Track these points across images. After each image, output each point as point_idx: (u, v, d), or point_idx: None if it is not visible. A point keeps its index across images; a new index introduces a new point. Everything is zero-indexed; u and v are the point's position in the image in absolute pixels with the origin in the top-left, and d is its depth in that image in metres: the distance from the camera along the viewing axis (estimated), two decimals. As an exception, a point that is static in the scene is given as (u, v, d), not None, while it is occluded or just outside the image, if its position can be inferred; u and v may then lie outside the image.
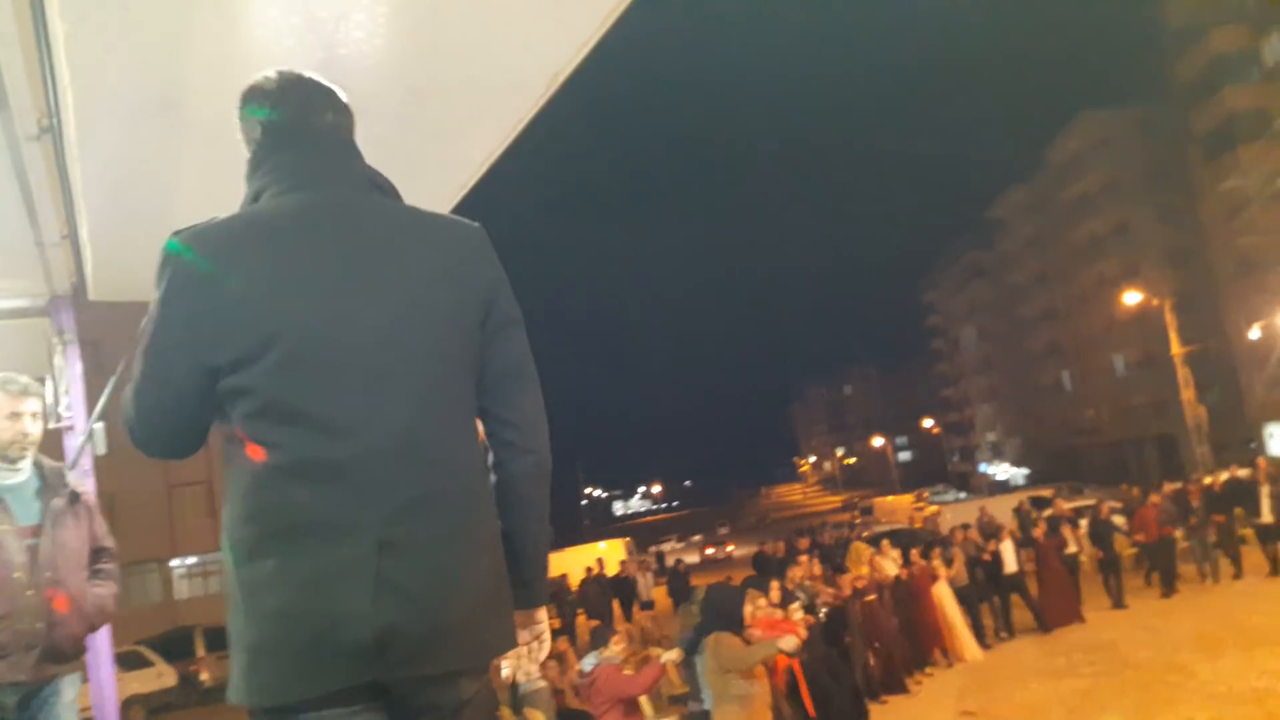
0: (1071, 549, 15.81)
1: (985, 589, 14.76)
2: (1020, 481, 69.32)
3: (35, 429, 3.44)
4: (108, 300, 4.26)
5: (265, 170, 1.88)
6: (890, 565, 13.77)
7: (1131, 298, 40.29)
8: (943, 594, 13.48)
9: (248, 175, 1.93)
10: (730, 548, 56.70)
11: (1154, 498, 17.52)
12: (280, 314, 1.66)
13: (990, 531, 16.28)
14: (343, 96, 1.95)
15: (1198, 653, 11.31)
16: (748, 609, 5.87)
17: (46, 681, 3.33)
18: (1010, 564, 14.90)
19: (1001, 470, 79.68)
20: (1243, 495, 16.87)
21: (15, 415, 3.38)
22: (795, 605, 8.91)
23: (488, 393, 1.83)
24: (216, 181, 3.17)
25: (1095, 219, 58.03)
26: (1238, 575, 16.37)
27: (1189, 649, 11.61)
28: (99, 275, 3.95)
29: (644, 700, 10.47)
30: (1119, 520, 17.56)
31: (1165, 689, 10.01)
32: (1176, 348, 35.79)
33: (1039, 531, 15.61)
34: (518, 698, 9.91)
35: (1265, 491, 16.40)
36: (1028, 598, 14.90)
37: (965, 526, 16.61)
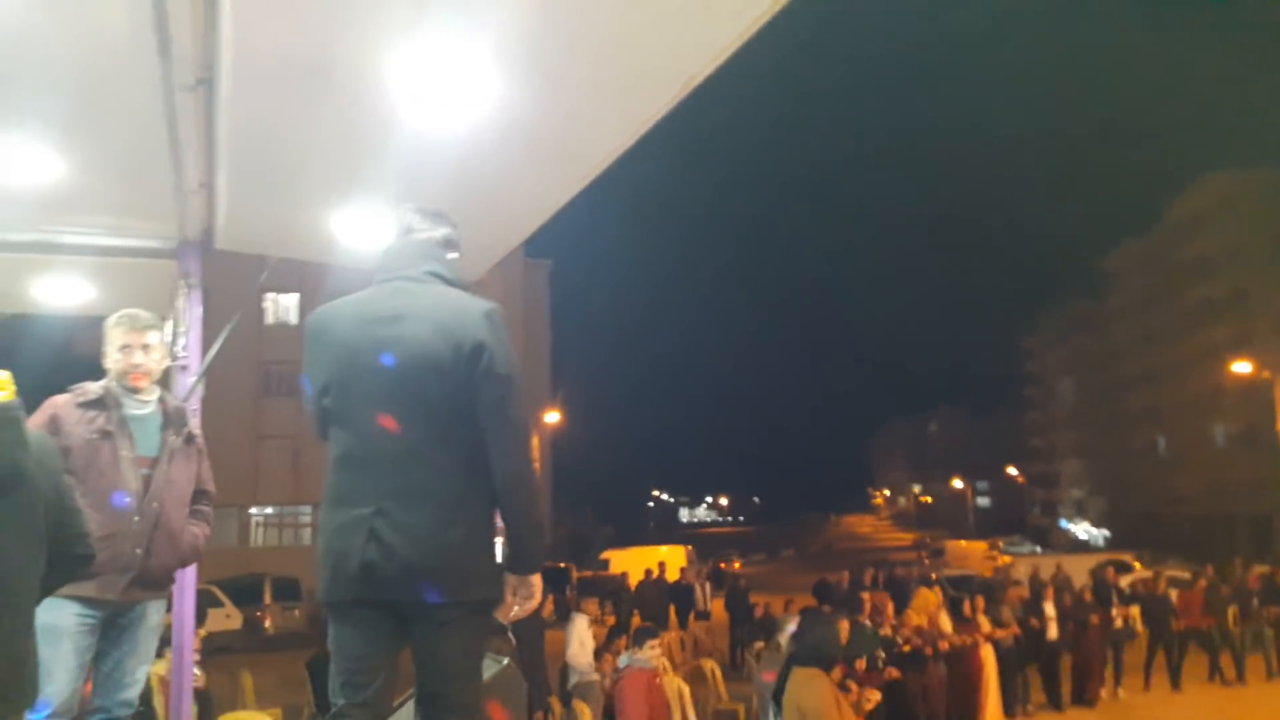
0: (1118, 624, 14.42)
1: (1025, 655, 13.22)
2: (1099, 543, 67.14)
3: (150, 362, 3.61)
4: (231, 250, 4.43)
5: (379, 265, 2.84)
6: (946, 620, 12.53)
7: (1240, 368, 38.67)
8: (988, 657, 12.31)
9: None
10: None
11: (1201, 581, 16.29)
12: (335, 363, 2.68)
13: (1064, 591, 15.41)
14: (437, 214, 2.93)
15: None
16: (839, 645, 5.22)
17: (134, 604, 3.49)
18: (1052, 631, 13.49)
19: (1082, 529, 77.30)
20: None
21: (127, 348, 3.56)
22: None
23: (481, 424, 2.61)
24: (349, 147, 3.31)
25: (1211, 282, 55.96)
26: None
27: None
28: (227, 226, 4.12)
29: (690, 711, 10.46)
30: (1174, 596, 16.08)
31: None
32: (1283, 425, 34.23)
33: (1083, 610, 13.92)
34: (568, 689, 9.98)
35: None
36: (1055, 670, 13.49)
37: (1044, 584, 15.71)
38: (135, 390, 3.57)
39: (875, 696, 5.34)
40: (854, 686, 5.55)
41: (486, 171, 3.39)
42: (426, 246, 2.82)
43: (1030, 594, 14.53)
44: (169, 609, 3.93)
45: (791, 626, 6.43)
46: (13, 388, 2.52)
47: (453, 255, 2.90)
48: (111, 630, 3.49)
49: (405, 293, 2.69)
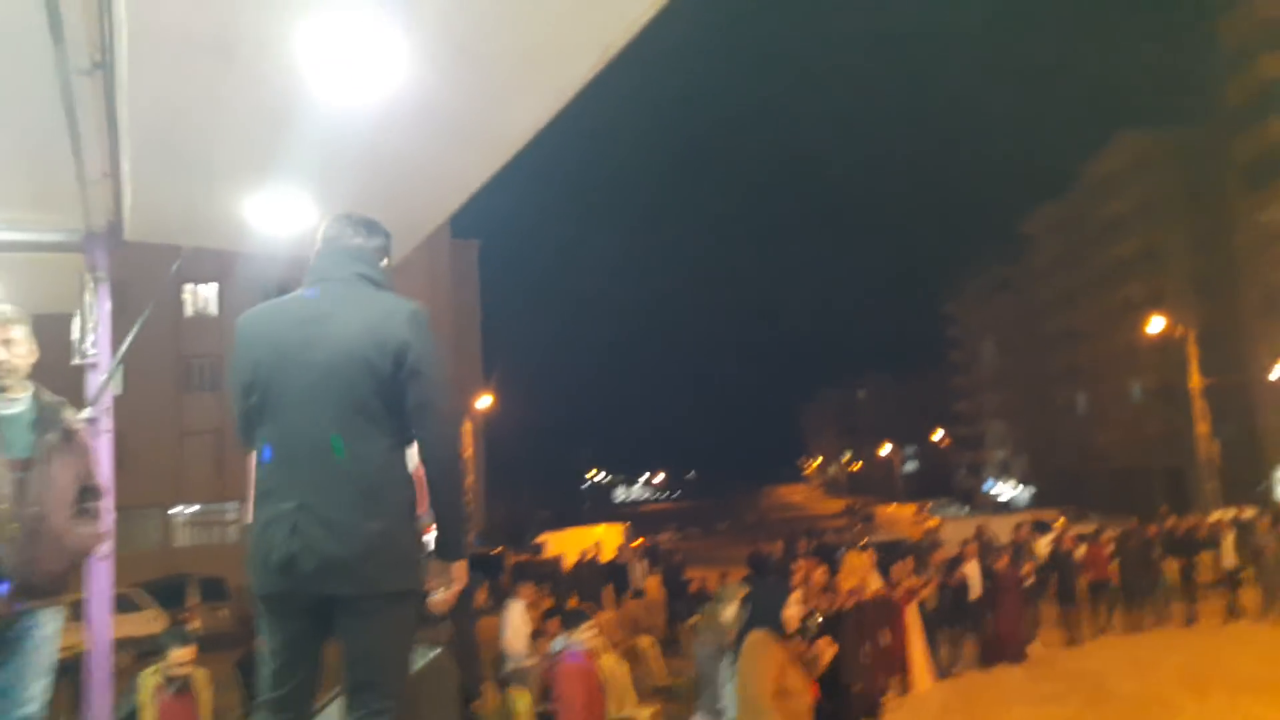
0: (1029, 581, 14.71)
1: (949, 615, 13.54)
2: (1024, 502, 69.04)
3: (13, 358, 3.39)
4: (142, 241, 4.28)
5: (309, 269, 2.91)
6: (876, 581, 12.79)
7: (1155, 325, 39.86)
8: (913, 617, 12.57)
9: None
10: None
11: (1105, 536, 17.00)
12: (264, 360, 2.73)
13: (990, 550, 15.82)
14: (367, 220, 2.95)
15: (1185, 690, 11.26)
16: (789, 611, 4.85)
17: (23, 615, 3.31)
18: (975, 589, 13.79)
19: (1006, 489, 79.38)
20: (1205, 541, 16.77)
21: None
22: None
23: (410, 421, 2.72)
24: (258, 128, 3.20)
25: (1125, 241, 57.56)
26: (1191, 620, 16.09)
27: (1176, 685, 11.55)
28: (136, 215, 3.97)
29: (628, 688, 10.51)
30: (1079, 551, 16.56)
31: (1146, 723, 9.99)
32: (1196, 380, 35.47)
33: (1001, 562, 14.37)
34: (502, 675, 9.93)
35: (1229, 539, 16.39)
36: (980, 628, 13.83)
37: (968, 542, 16.14)
38: (1, 389, 3.37)
39: (831, 648, 5.24)
40: (804, 645, 5.37)
41: (402, 150, 3.31)
42: (356, 250, 2.89)
43: (954, 555, 14.89)
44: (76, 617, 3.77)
45: (728, 599, 6.33)
46: None
47: (383, 261, 2.96)
48: (5, 643, 3.32)
49: (333, 294, 2.79)
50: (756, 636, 4.73)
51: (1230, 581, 16.28)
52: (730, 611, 6.11)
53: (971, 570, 13.91)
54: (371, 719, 2.71)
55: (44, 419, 3.44)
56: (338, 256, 2.87)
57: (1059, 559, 16.00)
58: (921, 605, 12.88)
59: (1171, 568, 16.75)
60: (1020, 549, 15.94)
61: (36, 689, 3.38)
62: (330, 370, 2.66)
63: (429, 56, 2.68)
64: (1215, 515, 24.02)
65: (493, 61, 2.76)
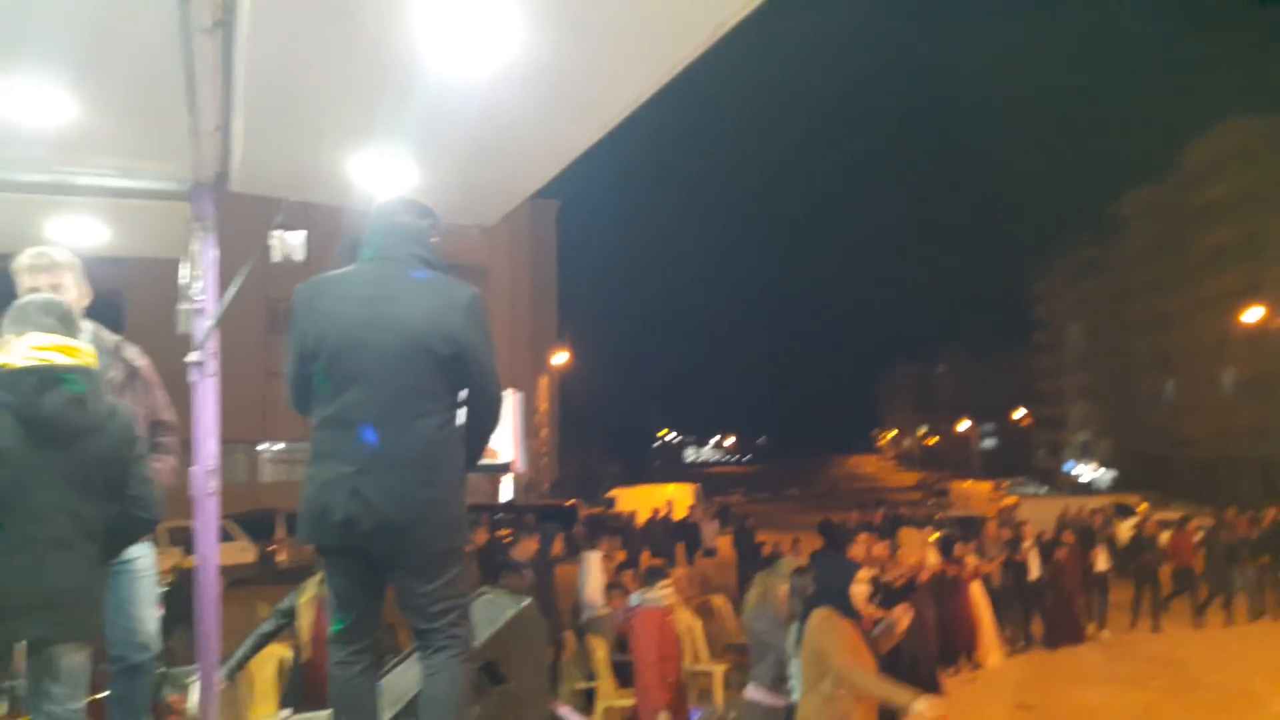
0: (1101, 567, 14.60)
1: (1013, 593, 13.52)
2: (1105, 485, 67.49)
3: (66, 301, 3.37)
4: (247, 193, 4.39)
5: (362, 246, 3.14)
6: (933, 555, 12.57)
7: (1252, 314, 38.44)
8: (977, 594, 12.49)
9: (360, 246, 3.15)
10: None
11: (1193, 525, 16.53)
12: (330, 333, 2.95)
13: (1080, 532, 15.51)
14: (419, 204, 3.19)
15: (1275, 683, 10.97)
16: (856, 589, 4.63)
17: None
18: (1034, 570, 13.66)
19: (1088, 471, 77.64)
20: None
21: (35, 290, 3.37)
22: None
23: (467, 399, 3.06)
24: (369, 90, 3.26)
25: (1224, 228, 55.45)
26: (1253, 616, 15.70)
27: (1265, 678, 11.27)
28: (243, 168, 4.07)
29: (701, 645, 10.63)
30: (1164, 538, 16.36)
31: (1233, 716, 9.78)
32: (1293, 371, 34.16)
33: (1061, 551, 14.11)
34: (580, 624, 10.14)
35: None
36: (1041, 609, 13.76)
37: (1022, 523, 15.68)
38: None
39: (908, 615, 5.06)
40: (878, 611, 5.21)
41: (507, 118, 3.34)
42: (412, 230, 3.12)
43: (1012, 534, 14.60)
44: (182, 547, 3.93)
45: (783, 572, 6.23)
46: (94, 357, 2.94)
47: (433, 239, 3.20)
48: None
49: (394, 275, 3.04)
50: (823, 614, 4.57)
51: None
52: (784, 586, 6.01)
53: (1030, 550, 13.77)
54: (435, 655, 3.01)
55: (106, 359, 3.49)
56: (394, 235, 3.11)
57: (1141, 543, 15.66)
58: (988, 581, 12.78)
59: (1261, 560, 16.29)
60: (1090, 532, 15.62)
61: (146, 615, 3.58)
62: (393, 351, 2.91)
63: (541, 26, 2.69)
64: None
65: (603, 32, 2.77)
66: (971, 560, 12.66)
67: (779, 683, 5.56)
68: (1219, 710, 9.99)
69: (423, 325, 2.94)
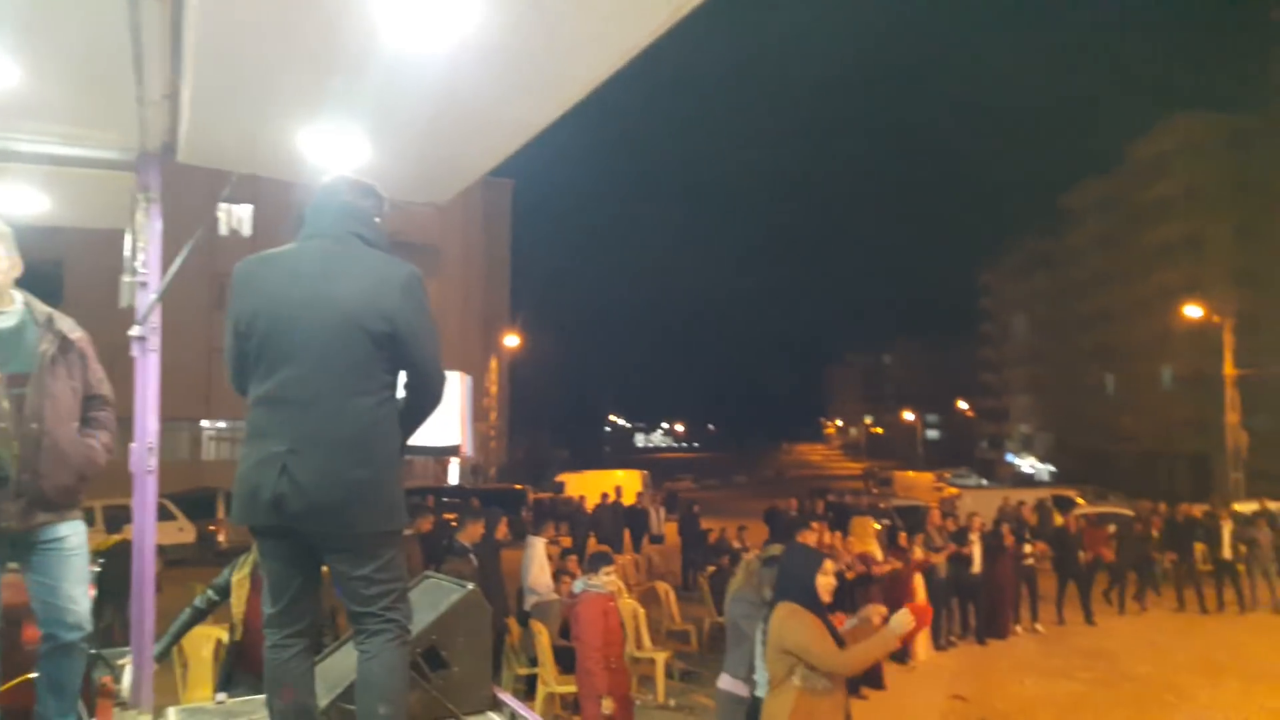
0: (1029, 560, 14.73)
1: (951, 587, 13.49)
2: (1045, 478, 68.84)
3: None
4: (193, 164, 4.29)
5: (304, 224, 3.11)
6: (878, 549, 12.41)
7: (1192, 311, 39.35)
8: (919, 585, 12.43)
9: (300, 226, 3.13)
10: None
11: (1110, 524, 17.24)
12: (264, 311, 2.92)
13: (1013, 525, 15.77)
14: (363, 183, 3.16)
15: (1199, 676, 11.30)
16: (822, 580, 4.45)
17: (38, 528, 3.35)
18: (976, 563, 13.68)
19: (1028, 463, 79.13)
20: (1205, 531, 16.77)
21: None
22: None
23: (406, 378, 3.02)
24: (323, 63, 3.19)
25: (1169, 225, 56.60)
26: (1181, 607, 16.31)
27: (1190, 671, 11.59)
28: (191, 139, 3.97)
29: (644, 632, 10.68)
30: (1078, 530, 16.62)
31: (1160, 707, 10.04)
32: (1229, 368, 35.05)
33: (1000, 544, 14.18)
34: (525, 610, 10.12)
35: (1227, 529, 16.36)
36: (977, 602, 13.76)
37: (972, 514, 15.99)
38: None
39: (878, 613, 4.66)
40: (880, 610, 4.69)
41: (464, 94, 3.29)
42: (350, 208, 3.09)
43: (958, 526, 14.73)
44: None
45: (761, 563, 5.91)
46: None
47: (377, 219, 3.15)
48: (30, 558, 3.39)
49: (332, 253, 3.00)
50: (788, 609, 4.40)
51: (1225, 572, 16.36)
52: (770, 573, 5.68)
53: (975, 543, 13.86)
54: (371, 639, 2.97)
55: (38, 331, 3.41)
56: (334, 213, 3.07)
57: (1060, 535, 16.07)
58: (932, 573, 12.89)
59: (1169, 555, 16.94)
60: (1022, 525, 15.90)
61: (78, 593, 3.46)
62: (327, 329, 2.87)
63: (500, 2, 2.66)
64: (1238, 506, 23.87)
65: (563, 10, 2.73)
66: (918, 552, 12.75)
67: (751, 672, 5.34)
68: (1147, 701, 10.26)
69: (357, 303, 2.90)
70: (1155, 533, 17.70)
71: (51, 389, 3.37)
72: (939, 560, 13.12)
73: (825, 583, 4.51)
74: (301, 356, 2.87)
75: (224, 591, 5.45)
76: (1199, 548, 16.87)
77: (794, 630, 4.30)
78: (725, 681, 5.64)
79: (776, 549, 5.76)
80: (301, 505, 2.80)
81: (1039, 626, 14.50)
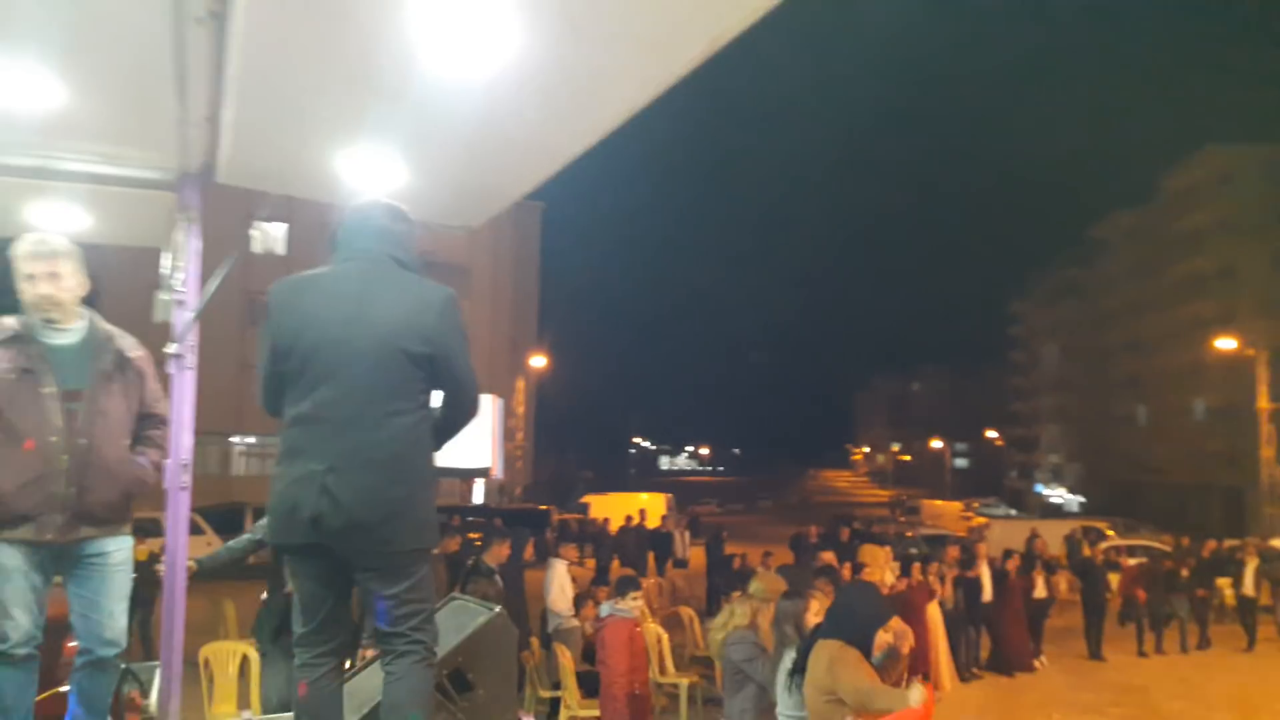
0: (1040, 593, 14.48)
1: (963, 617, 13.17)
2: (1074, 509, 67.97)
3: (60, 292, 3.41)
4: (232, 185, 4.36)
5: (338, 245, 3.15)
6: (891, 575, 12.20)
7: (1225, 343, 38.90)
8: (934, 616, 12.01)
9: (334, 248, 3.17)
10: None
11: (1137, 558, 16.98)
12: (305, 332, 2.94)
13: (1040, 558, 15.53)
14: (396, 207, 3.18)
15: (1232, 714, 11.08)
16: (883, 636, 4.09)
17: (81, 542, 3.38)
18: (987, 593, 13.49)
19: (1057, 494, 78.19)
20: (1229, 566, 16.47)
21: (31, 278, 3.37)
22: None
23: (443, 396, 3.08)
24: (362, 88, 3.24)
25: (1202, 256, 56.02)
26: (1200, 645, 15.86)
27: (1224, 709, 11.37)
28: (230, 160, 4.04)
29: (668, 657, 10.61)
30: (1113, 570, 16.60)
31: (1193, 743, 9.86)
32: (1264, 401, 34.60)
33: (1011, 566, 14.01)
34: (548, 632, 10.10)
35: (1251, 566, 16.05)
36: (994, 633, 13.46)
37: (974, 542, 15.72)
38: (51, 321, 3.40)
39: (906, 640, 4.42)
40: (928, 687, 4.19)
41: (499, 120, 3.32)
42: (390, 233, 3.13)
43: (967, 556, 14.49)
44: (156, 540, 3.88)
45: (763, 594, 5.69)
46: None
47: (411, 244, 3.18)
48: (73, 571, 3.42)
49: (371, 276, 3.04)
50: (836, 646, 3.98)
51: (1248, 609, 16.05)
52: (766, 611, 5.46)
53: (984, 572, 13.63)
54: (398, 660, 2.99)
55: (98, 349, 3.47)
56: (370, 236, 3.10)
57: (1086, 567, 15.76)
58: (942, 604, 12.70)
59: (1198, 591, 16.63)
60: (1035, 557, 15.60)
61: (116, 610, 3.50)
62: (368, 350, 2.91)
63: (539, 30, 2.68)
64: (1275, 541, 23.50)
65: (602, 41, 2.76)
66: (935, 582, 12.57)
67: (761, 715, 5.10)
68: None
69: (397, 324, 2.95)
70: (1185, 571, 17.39)
71: (104, 406, 3.43)
72: (947, 591, 12.91)
73: (884, 640, 4.12)
74: (341, 376, 2.90)
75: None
76: (1224, 583, 16.58)
77: (847, 671, 3.91)
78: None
79: (769, 581, 5.66)
80: (341, 522, 2.83)
81: (1043, 660, 14.17)
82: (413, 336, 2.94)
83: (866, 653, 4.09)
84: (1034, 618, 14.30)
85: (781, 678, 4.60)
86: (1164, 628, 15.91)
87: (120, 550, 3.53)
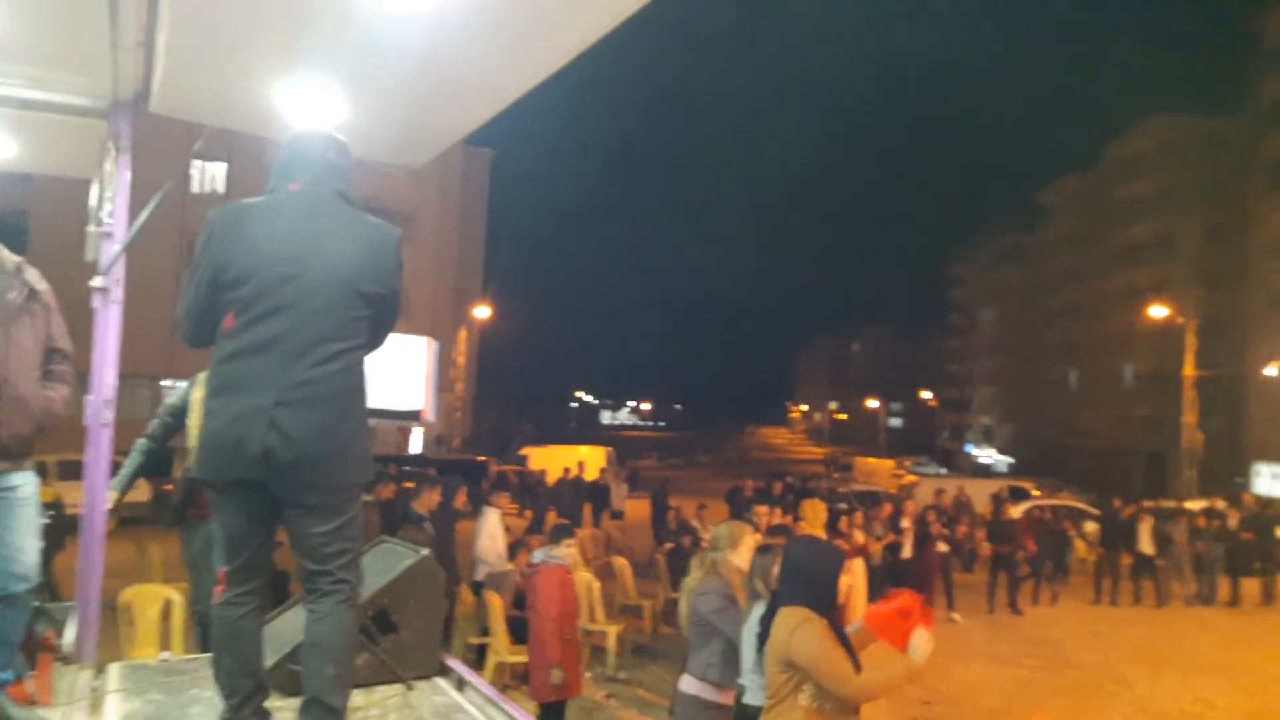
0: (942, 548, 14.91)
1: (884, 573, 13.58)
2: (1003, 469, 69.64)
3: None
4: (166, 115, 4.23)
5: (275, 177, 3.11)
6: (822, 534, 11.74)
7: (1157, 311, 39.91)
8: (857, 569, 11.96)
9: (271, 177, 3.13)
10: None
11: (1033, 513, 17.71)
12: (256, 262, 2.88)
13: (958, 512, 15.99)
14: (338, 139, 3.15)
15: (1141, 666, 11.56)
16: (844, 580, 3.67)
17: None
18: (906, 549, 14.12)
19: (987, 454, 79.99)
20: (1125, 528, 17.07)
21: None
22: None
23: (372, 332, 3.07)
24: (302, 16, 3.16)
25: (1140, 225, 57.18)
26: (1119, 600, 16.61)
27: (1133, 661, 11.85)
28: (164, 88, 3.91)
29: (598, 605, 10.73)
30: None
31: (1101, 695, 10.27)
32: (1190, 369, 35.68)
33: (934, 526, 14.62)
34: (476, 579, 10.14)
35: (1145, 526, 16.75)
36: (914, 589, 13.91)
37: (903, 498, 16.19)
38: None
39: (930, 637, 3.71)
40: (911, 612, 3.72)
41: (444, 55, 3.27)
42: (334, 165, 3.11)
43: (950, 513, 15.01)
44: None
45: (727, 543, 5.15)
46: None
47: (353, 178, 3.18)
48: None
49: (319, 210, 3.01)
50: (798, 615, 3.60)
51: (1143, 567, 16.73)
52: (740, 558, 5.03)
53: (908, 531, 14.12)
54: (322, 599, 2.97)
55: (6, 280, 3.38)
56: (313, 167, 3.07)
57: (998, 527, 16.29)
58: (867, 560, 13.01)
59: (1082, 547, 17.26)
60: (943, 513, 16.08)
61: (27, 545, 3.43)
62: (325, 288, 2.90)
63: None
64: (1189, 504, 24.35)
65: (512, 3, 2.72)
66: (859, 536, 12.86)
67: (725, 675, 4.75)
68: (1089, 689, 10.49)
69: (355, 264, 2.96)
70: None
71: (16, 337, 3.35)
72: (877, 549, 13.29)
73: (846, 584, 3.80)
74: (293, 310, 2.86)
75: (180, 414, 5.20)
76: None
77: (805, 643, 3.56)
78: (689, 684, 4.92)
79: (737, 531, 5.19)
80: (291, 457, 2.80)
81: (956, 615, 14.61)
82: (369, 277, 2.98)
83: (832, 605, 3.72)
84: (941, 572, 14.79)
85: (748, 637, 4.30)
86: (1054, 582, 16.65)
87: (27, 485, 3.46)
